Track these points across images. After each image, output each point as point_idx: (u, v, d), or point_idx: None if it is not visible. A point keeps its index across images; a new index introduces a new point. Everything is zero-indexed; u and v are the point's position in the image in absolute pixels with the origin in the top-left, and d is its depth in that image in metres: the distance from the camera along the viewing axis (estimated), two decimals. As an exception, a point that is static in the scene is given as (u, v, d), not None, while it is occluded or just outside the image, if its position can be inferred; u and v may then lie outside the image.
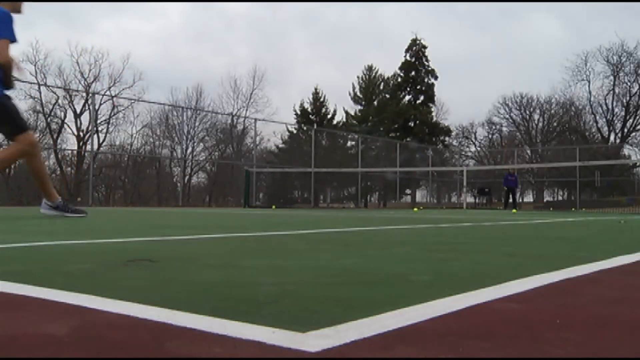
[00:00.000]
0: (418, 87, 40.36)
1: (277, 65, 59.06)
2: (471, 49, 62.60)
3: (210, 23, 57.10)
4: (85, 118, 30.04)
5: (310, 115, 38.79)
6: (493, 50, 63.05)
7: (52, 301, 1.10)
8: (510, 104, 42.87)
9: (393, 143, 30.05)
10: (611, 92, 39.30)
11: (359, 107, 42.25)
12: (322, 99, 39.86)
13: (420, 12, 59.10)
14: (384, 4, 59.43)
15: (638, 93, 38.86)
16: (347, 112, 42.11)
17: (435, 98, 41.02)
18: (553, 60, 66.32)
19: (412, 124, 39.15)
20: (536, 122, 43.72)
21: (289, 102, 66.16)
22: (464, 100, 60.67)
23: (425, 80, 40.48)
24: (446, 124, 41.31)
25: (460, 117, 71.16)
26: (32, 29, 44.91)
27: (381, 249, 2.57)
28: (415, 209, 16.92)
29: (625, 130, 39.87)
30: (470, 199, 31.67)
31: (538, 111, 43.33)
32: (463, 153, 42.08)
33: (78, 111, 30.77)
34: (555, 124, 42.99)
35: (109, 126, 30.75)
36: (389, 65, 62.13)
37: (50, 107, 29.26)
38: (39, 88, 28.22)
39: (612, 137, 39.92)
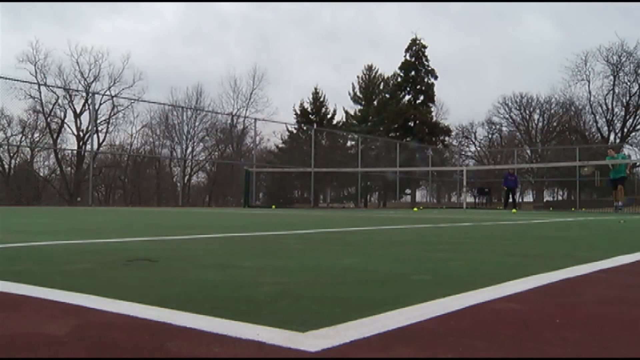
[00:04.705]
0: (418, 87, 40.35)
1: (275, 65, 59.00)
2: (468, 49, 62.50)
3: (205, 23, 56.98)
4: (85, 118, 30.01)
5: (310, 115, 38.78)
6: (490, 51, 62.91)
7: (52, 301, 1.10)
8: (510, 104, 42.84)
9: (393, 143, 30.01)
10: (611, 92, 39.28)
11: (359, 107, 42.21)
12: (321, 99, 39.88)
13: (416, 13, 58.97)
14: (379, 4, 59.32)
15: (638, 93, 38.85)
16: (347, 112, 42.10)
17: (435, 98, 41.00)
18: (550, 60, 66.26)
19: (412, 124, 39.14)
20: (536, 122, 43.71)
21: (287, 102, 66.29)
22: (464, 100, 60.57)
23: (425, 80, 40.48)
24: (446, 124, 41.28)
25: (460, 117, 71.15)
26: (30, 29, 44.96)
27: (381, 248, 2.57)
28: (415, 209, 16.92)
29: (625, 130, 39.84)
30: (470, 199, 31.58)
31: (538, 111, 43.34)
32: (463, 153, 42.00)
33: (78, 111, 30.75)
34: (555, 123, 42.96)
35: (109, 126, 30.73)
36: (389, 65, 62.10)
37: (50, 107, 29.23)
38: (39, 88, 28.18)
39: (612, 137, 39.89)
